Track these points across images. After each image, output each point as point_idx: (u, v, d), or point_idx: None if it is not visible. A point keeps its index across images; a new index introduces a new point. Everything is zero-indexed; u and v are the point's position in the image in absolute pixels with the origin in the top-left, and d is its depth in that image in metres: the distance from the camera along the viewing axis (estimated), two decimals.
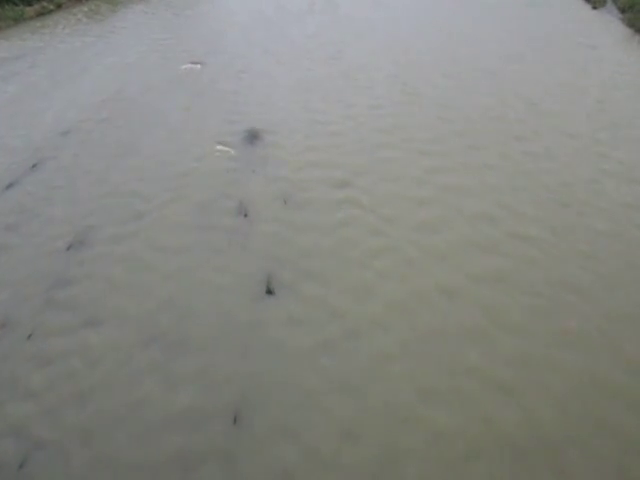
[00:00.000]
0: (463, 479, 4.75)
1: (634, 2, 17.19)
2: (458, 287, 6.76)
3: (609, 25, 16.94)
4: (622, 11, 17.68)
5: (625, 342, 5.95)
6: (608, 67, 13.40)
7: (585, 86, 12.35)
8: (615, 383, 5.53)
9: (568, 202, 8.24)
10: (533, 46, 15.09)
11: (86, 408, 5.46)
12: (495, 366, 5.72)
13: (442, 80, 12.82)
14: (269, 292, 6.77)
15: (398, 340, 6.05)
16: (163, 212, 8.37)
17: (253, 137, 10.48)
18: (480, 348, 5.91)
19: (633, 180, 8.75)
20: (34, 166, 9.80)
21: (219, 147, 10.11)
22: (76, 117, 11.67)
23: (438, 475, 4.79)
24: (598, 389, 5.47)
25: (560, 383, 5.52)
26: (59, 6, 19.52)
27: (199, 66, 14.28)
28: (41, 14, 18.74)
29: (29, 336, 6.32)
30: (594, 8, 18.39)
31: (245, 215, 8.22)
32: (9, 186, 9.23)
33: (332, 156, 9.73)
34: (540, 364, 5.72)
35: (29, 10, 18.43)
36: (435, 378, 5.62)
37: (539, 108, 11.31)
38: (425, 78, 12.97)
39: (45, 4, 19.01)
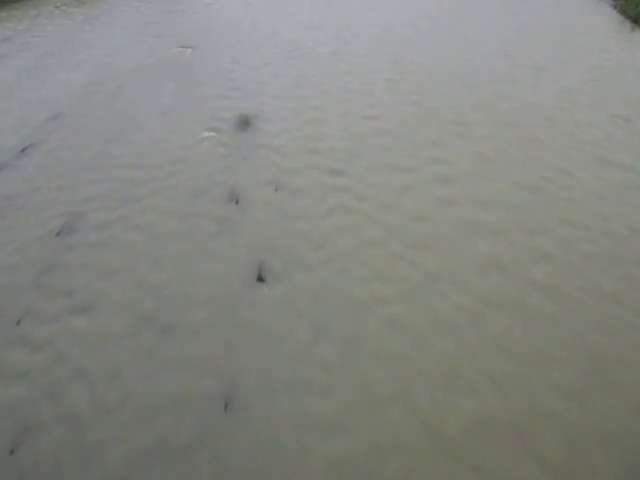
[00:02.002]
0: None
1: None
2: (448, 272, 6.82)
3: (601, 13, 16.94)
4: None
5: None
6: (601, 58, 13.41)
7: (581, 82, 12.33)
8: None
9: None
10: (525, 37, 15.02)
11: (76, 393, 5.47)
12: None
13: (439, 75, 12.73)
14: (260, 280, 6.79)
15: (387, 323, 6.11)
16: (154, 199, 8.33)
17: (244, 123, 10.42)
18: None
19: None
20: (23, 150, 9.70)
21: (206, 134, 10.07)
22: (66, 101, 11.53)
23: None
24: None
25: None
26: None
27: (189, 50, 14.19)
28: None
29: (18, 322, 6.30)
30: None
31: (236, 202, 8.20)
32: None
33: (324, 144, 9.70)
34: None
35: None
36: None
37: (536, 105, 11.25)
38: (422, 71, 12.84)
39: None
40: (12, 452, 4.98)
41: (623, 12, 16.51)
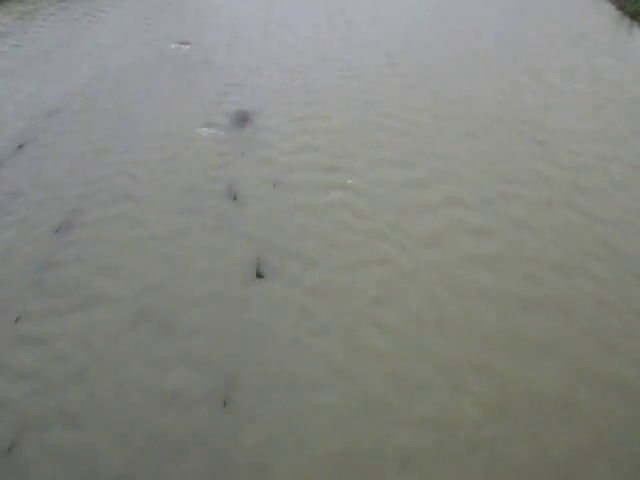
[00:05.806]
0: None
1: None
2: (442, 266, 6.88)
3: (600, 8, 16.93)
4: None
5: None
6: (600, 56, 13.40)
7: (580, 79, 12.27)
8: None
9: None
10: (525, 31, 15.01)
11: (75, 390, 5.45)
12: None
13: (438, 64, 12.70)
14: (259, 275, 6.78)
15: (389, 323, 6.11)
16: (152, 195, 8.30)
17: (243, 119, 10.39)
18: None
19: None
20: (20, 147, 9.64)
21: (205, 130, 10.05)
22: (63, 97, 11.46)
23: None
24: None
25: None
26: None
27: (187, 46, 14.15)
28: None
29: (17, 319, 6.27)
30: None
31: (234, 198, 8.18)
32: None
33: (322, 140, 9.67)
34: None
35: None
36: None
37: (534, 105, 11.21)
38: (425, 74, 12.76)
39: None
40: (10, 450, 4.96)
41: (621, 8, 16.51)
